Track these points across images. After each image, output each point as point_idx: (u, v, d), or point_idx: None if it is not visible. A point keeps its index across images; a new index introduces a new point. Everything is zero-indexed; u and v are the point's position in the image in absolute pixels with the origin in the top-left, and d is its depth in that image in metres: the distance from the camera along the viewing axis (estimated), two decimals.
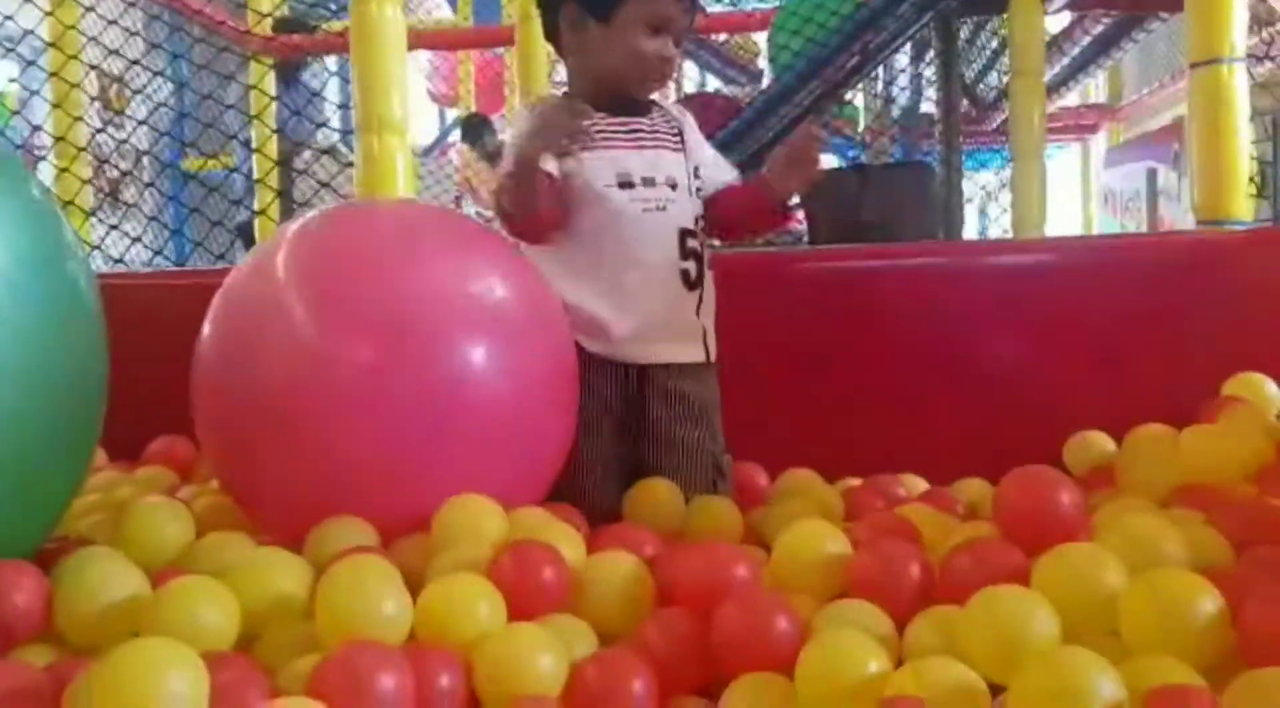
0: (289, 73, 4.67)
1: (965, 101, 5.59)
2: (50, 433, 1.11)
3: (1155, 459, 1.43)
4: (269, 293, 1.30)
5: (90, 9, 3.49)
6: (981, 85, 5.93)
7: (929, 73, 4.95)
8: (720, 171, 1.66)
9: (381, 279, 1.28)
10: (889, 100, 5.56)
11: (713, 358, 1.61)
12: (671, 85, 7.03)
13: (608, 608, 1.10)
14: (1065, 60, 5.33)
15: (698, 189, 1.61)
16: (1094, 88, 7.36)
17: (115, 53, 3.58)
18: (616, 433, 1.57)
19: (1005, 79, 4.12)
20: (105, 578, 1.03)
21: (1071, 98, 6.80)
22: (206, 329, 1.35)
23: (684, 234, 1.56)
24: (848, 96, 6.24)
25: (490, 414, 1.30)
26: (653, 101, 1.64)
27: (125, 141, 4.11)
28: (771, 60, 3.76)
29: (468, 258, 1.36)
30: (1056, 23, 5.22)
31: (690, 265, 1.56)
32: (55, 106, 3.36)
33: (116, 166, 4.25)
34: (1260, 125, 4.44)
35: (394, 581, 1.03)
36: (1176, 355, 1.78)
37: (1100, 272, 1.87)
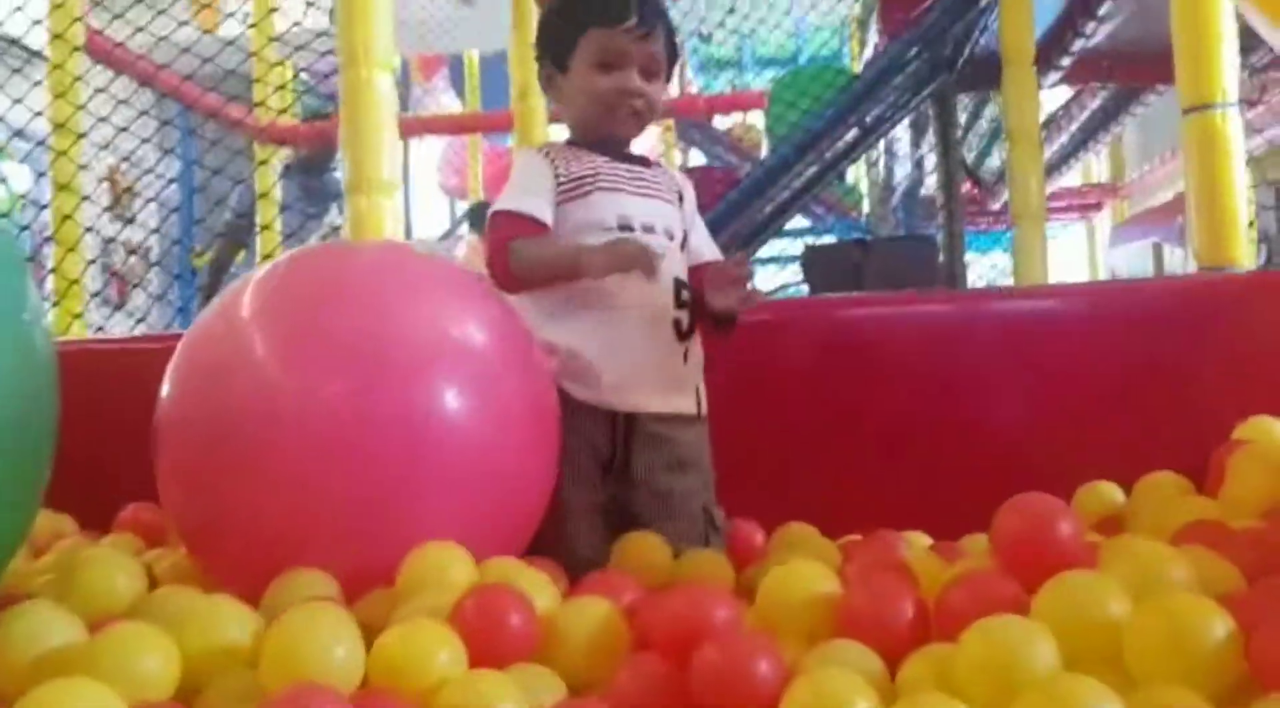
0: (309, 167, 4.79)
1: (968, 183, 5.63)
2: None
3: (1165, 505, 1.37)
4: (231, 334, 1.26)
5: (96, 92, 3.53)
6: (983, 167, 5.97)
7: (930, 154, 4.99)
8: (704, 247, 1.64)
9: (348, 318, 1.23)
10: (890, 188, 5.59)
11: (704, 411, 1.57)
12: (678, 155, 7.11)
13: (579, 657, 1.03)
14: (1064, 137, 5.37)
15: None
16: (1095, 167, 7.40)
17: (127, 159, 3.63)
18: (605, 483, 1.51)
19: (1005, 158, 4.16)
20: (42, 627, 0.97)
21: (1074, 177, 6.83)
22: (169, 373, 1.30)
23: (679, 285, 1.53)
24: (849, 177, 6.29)
25: (462, 457, 1.24)
26: (652, 161, 1.65)
27: (134, 250, 4.15)
28: (768, 131, 3.78)
29: (441, 298, 1.32)
30: (1054, 101, 5.28)
31: (683, 316, 1.53)
32: (60, 188, 3.37)
33: (122, 266, 4.27)
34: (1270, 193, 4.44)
35: (347, 627, 0.96)
36: (1183, 402, 1.73)
37: (1103, 318, 1.82)
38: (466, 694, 0.91)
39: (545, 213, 1.49)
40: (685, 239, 1.60)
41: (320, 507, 1.20)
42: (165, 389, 1.30)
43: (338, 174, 5.03)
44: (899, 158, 5.34)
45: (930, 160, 4.88)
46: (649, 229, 1.53)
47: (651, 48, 1.52)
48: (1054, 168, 5.88)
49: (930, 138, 4.82)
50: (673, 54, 1.59)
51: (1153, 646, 0.86)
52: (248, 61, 4.40)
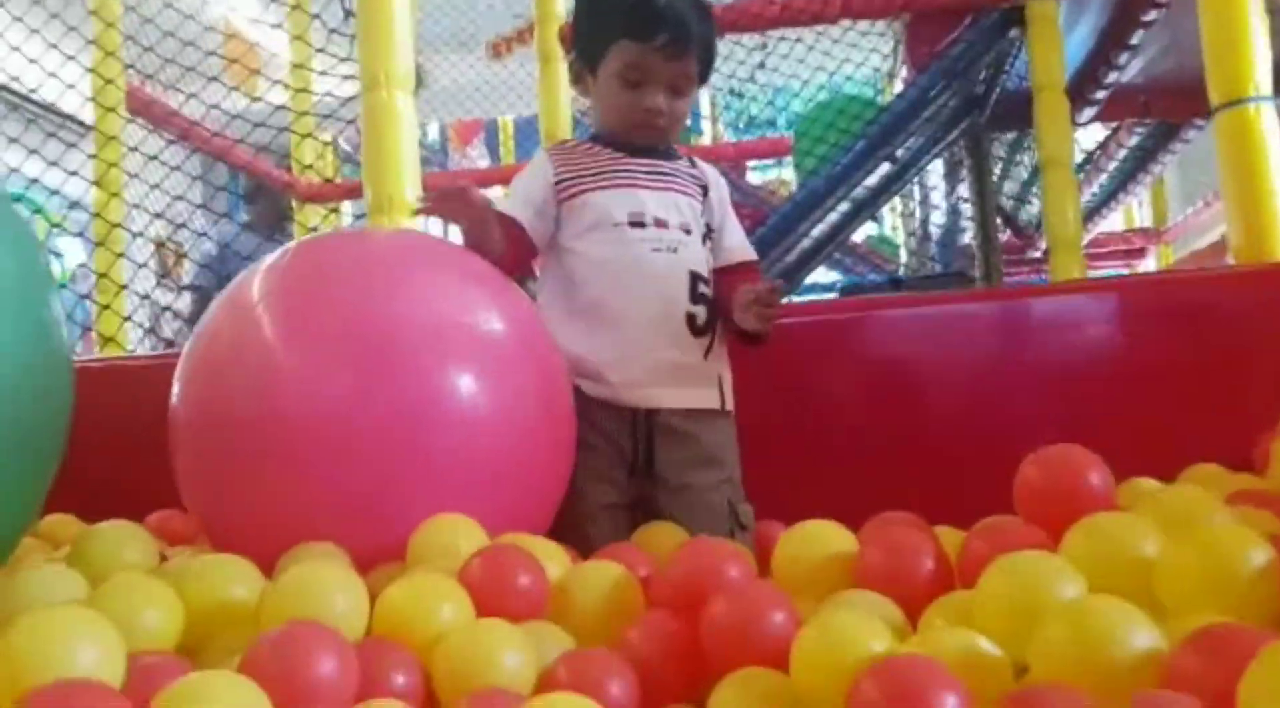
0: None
1: (1006, 230, 5.58)
2: (12, 445, 1.06)
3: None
4: (235, 325, 1.24)
5: (138, 155, 3.62)
6: (1022, 212, 5.92)
7: (966, 197, 4.95)
8: (736, 247, 1.60)
9: (353, 303, 1.21)
10: (926, 234, 5.55)
11: (728, 406, 1.54)
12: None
13: (590, 618, 1.00)
14: (1103, 178, 5.32)
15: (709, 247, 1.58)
16: (1137, 212, 7.32)
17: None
18: (628, 480, 1.48)
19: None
20: (45, 584, 0.96)
21: (1116, 221, 6.76)
22: (179, 372, 1.29)
23: (695, 278, 1.51)
24: (885, 226, 6.27)
25: (470, 445, 1.20)
26: (678, 152, 1.63)
27: (188, 319, 4.20)
28: (796, 168, 3.77)
29: (450, 285, 1.30)
30: (1091, 142, 5.25)
31: (700, 310, 1.51)
32: (98, 245, 3.43)
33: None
34: None
35: (350, 579, 0.94)
36: (1228, 396, 1.66)
37: (1143, 311, 1.77)
38: (471, 644, 0.88)
39: (522, 213, 1.50)
40: (709, 233, 1.58)
41: (326, 494, 1.17)
42: (176, 388, 1.28)
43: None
44: (934, 203, 5.31)
45: (966, 205, 4.85)
46: (662, 223, 1.51)
47: (681, 66, 1.50)
48: (1094, 212, 5.82)
49: (965, 179, 4.80)
50: (710, 53, 1.56)
51: (1186, 576, 0.81)
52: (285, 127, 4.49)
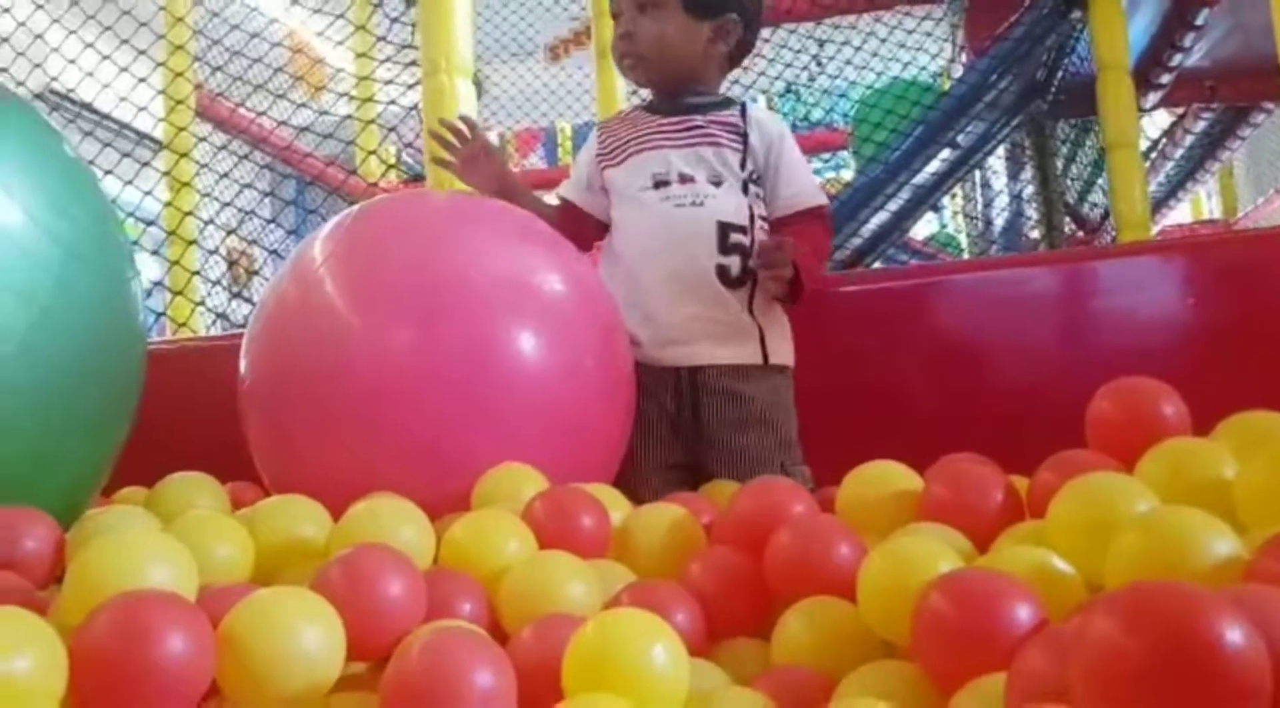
0: None
1: (1070, 223, 5.49)
2: (87, 397, 1.09)
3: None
4: (299, 288, 1.26)
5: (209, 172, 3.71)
6: (1086, 204, 5.82)
7: (1028, 190, 4.88)
8: (794, 194, 1.56)
9: (413, 260, 1.23)
10: (989, 223, 5.48)
11: (774, 360, 1.51)
12: None
13: (654, 557, 1.00)
14: (1170, 167, 5.22)
15: (758, 195, 1.55)
16: (1206, 203, 7.17)
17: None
18: (675, 440, 1.48)
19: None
20: (118, 522, 0.98)
21: (1184, 213, 6.62)
22: (247, 340, 1.31)
23: (725, 228, 1.49)
24: (945, 220, 6.19)
25: (529, 401, 1.21)
26: (723, 100, 1.61)
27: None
28: (854, 155, 3.75)
29: (511, 243, 1.31)
30: (1155, 130, 5.15)
31: (732, 261, 1.48)
32: (172, 264, 3.50)
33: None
34: None
35: (415, 514, 0.95)
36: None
37: (1209, 270, 1.73)
38: (535, 574, 0.88)
39: (573, 192, 1.61)
40: (755, 181, 1.55)
41: (393, 447, 1.18)
42: (244, 356, 1.30)
43: None
44: (996, 192, 5.23)
45: (1029, 194, 4.77)
46: (687, 179, 1.50)
47: None
48: (1161, 203, 5.70)
49: (1029, 171, 4.74)
50: None
51: (1266, 492, 0.79)
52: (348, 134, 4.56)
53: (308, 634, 0.72)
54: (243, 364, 1.31)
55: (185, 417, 1.70)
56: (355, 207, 1.35)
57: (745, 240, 1.49)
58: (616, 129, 1.59)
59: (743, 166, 1.54)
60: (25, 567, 0.94)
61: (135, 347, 1.21)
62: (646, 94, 1.66)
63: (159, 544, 0.79)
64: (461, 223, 1.31)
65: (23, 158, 1.03)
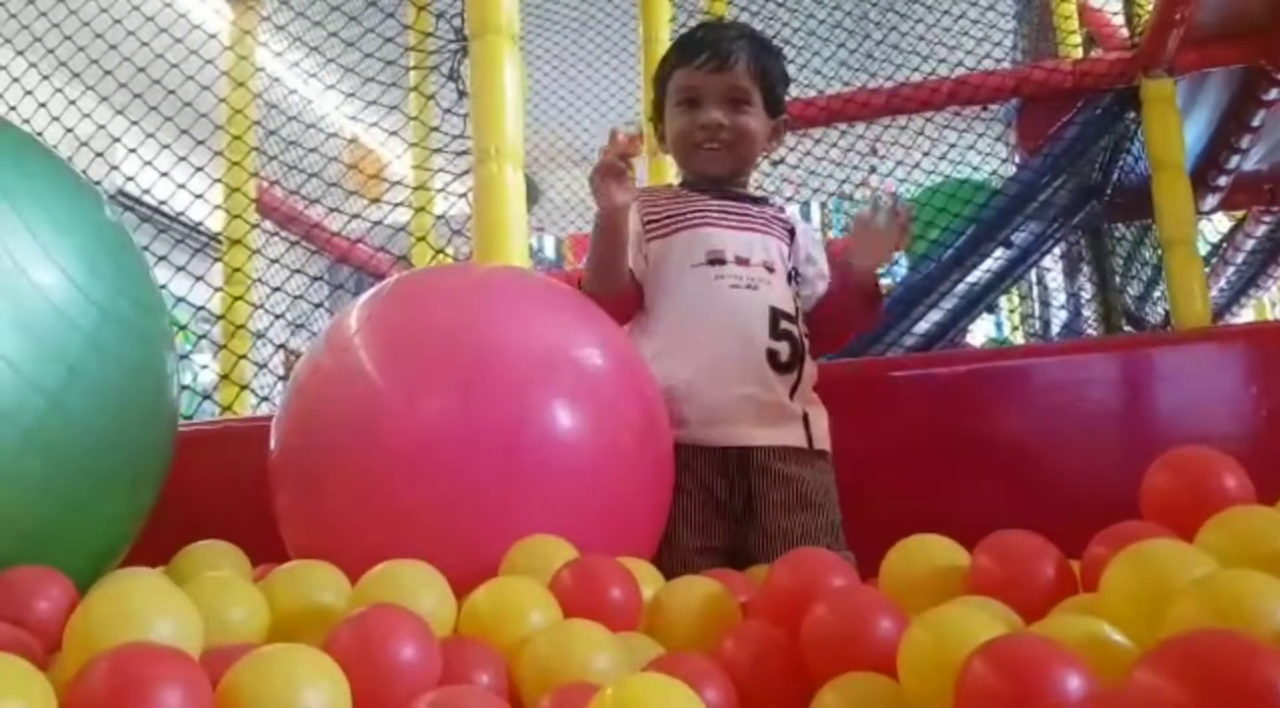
0: None
1: (1128, 327, 5.39)
2: (116, 457, 1.08)
3: None
4: (331, 359, 1.25)
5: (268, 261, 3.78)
6: (1147, 308, 5.73)
7: (1086, 293, 4.81)
8: (825, 276, 1.62)
9: (449, 332, 1.21)
10: (1046, 324, 5.40)
11: (818, 445, 1.49)
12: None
13: (685, 631, 0.95)
14: (1230, 272, 5.13)
15: (797, 292, 1.57)
16: (1270, 310, 7.00)
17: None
18: (718, 521, 1.44)
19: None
20: (132, 585, 0.95)
21: (1248, 318, 6.47)
22: (279, 415, 1.30)
23: (776, 314, 1.50)
24: (1004, 328, 6.11)
25: (565, 479, 1.17)
26: (765, 199, 1.64)
27: None
28: (906, 252, 3.72)
29: (549, 317, 1.30)
30: (1215, 234, 5.08)
31: (782, 347, 1.49)
32: (221, 346, 3.55)
33: None
34: None
35: (437, 580, 0.92)
36: None
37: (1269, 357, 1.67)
38: (558, 644, 0.84)
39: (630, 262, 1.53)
40: (795, 274, 1.57)
41: (423, 519, 1.15)
42: (276, 431, 1.29)
43: None
44: (1052, 293, 5.17)
45: (1086, 297, 4.71)
46: (743, 261, 1.51)
47: (729, 78, 1.54)
48: (1223, 310, 5.59)
49: (1085, 274, 4.68)
50: (770, 78, 1.57)
51: None
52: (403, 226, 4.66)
53: (310, 693, 0.69)
54: (274, 436, 1.29)
55: (218, 497, 1.69)
56: (392, 278, 1.35)
57: (794, 329, 1.51)
58: (661, 203, 1.58)
59: (788, 259, 1.57)
60: (36, 626, 0.92)
61: (167, 409, 1.20)
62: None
63: (162, 598, 0.76)
64: (501, 295, 1.30)
65: (61, 218, 1.04)
